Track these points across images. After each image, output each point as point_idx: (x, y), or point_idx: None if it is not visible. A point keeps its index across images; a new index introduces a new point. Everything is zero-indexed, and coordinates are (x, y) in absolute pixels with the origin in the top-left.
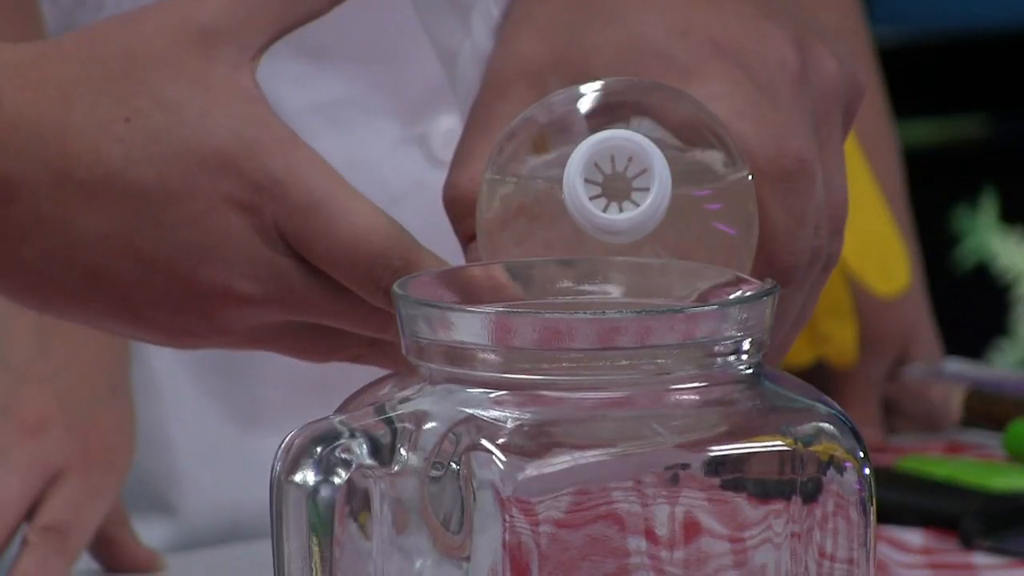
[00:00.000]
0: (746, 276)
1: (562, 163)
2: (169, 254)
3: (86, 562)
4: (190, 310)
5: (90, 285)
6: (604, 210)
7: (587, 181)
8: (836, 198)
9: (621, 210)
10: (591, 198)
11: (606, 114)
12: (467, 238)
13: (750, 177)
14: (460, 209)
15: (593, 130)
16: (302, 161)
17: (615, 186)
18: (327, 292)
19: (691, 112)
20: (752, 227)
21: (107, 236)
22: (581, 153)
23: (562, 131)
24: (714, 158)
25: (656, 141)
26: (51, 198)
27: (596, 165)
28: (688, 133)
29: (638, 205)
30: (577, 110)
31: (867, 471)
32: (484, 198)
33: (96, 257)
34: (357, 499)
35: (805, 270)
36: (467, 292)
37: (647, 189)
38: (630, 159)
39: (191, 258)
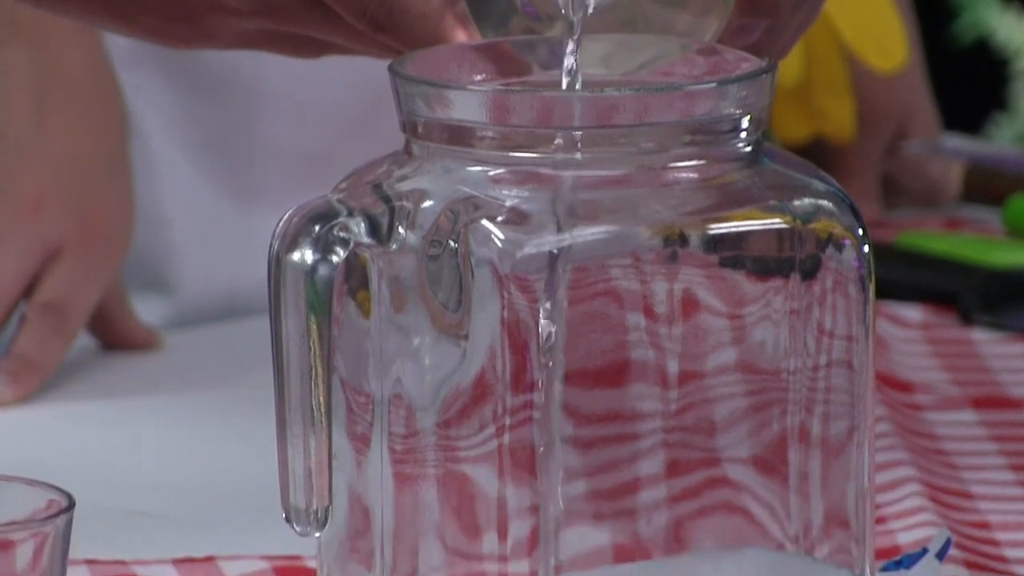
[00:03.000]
0: (721, 47)
1: None
2: None
3: (84, 340)
4: (179, 18)
5: None
6: None
7: None
8: None
9: None
10: None
11: None
12: None
13: None
14: None
15: None
16: None
17: None
18: (315, 9)
19: None
20: None
21: None
22: None
23: None
24: None
25: None
26: None
27: None
28: None
29: None
30: None
31: (866, 248)
32: None
33: None
34: (355, 278)
35: (792, 3)
36: (474, 67)
37: None
38: None
39: None
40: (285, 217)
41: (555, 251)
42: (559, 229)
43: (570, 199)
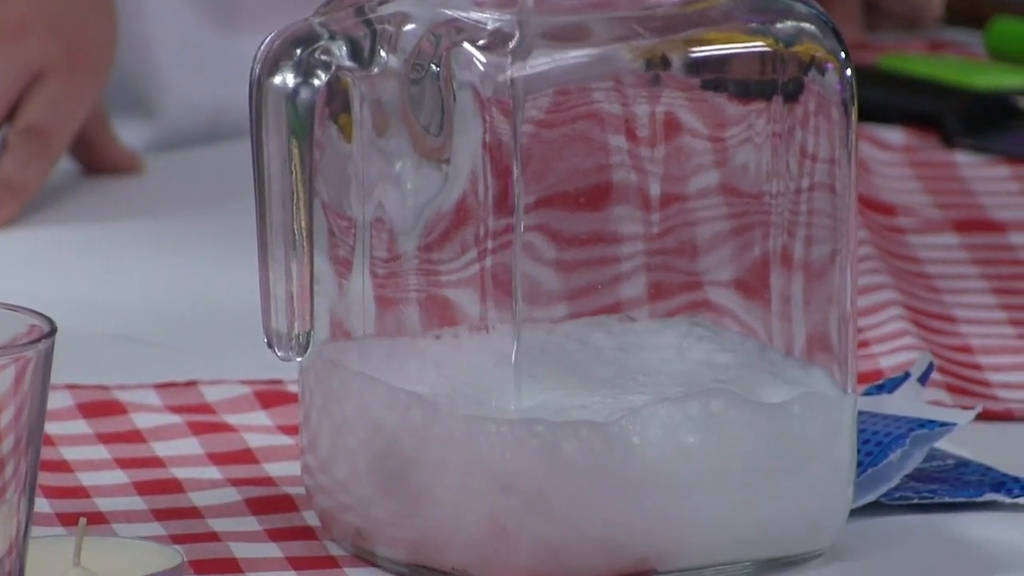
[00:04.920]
0: None
1: None
2: None
3: (66, 164)
4: None
5: None
6: None
7: None
8: None
9: None
10: None
11: None
12: None
13: None
14: None
15: None
16: None
17: None
18: None
19: None
20: None
21: None
22: None
23: None
24: None
25: None
26: None
27: None
28: None
29: None
30: None
31: (848, 72)
32: None
33: None
34: (337, 102)
35: None
36: None
37: None
38: None
39: None
40: (266, 41)
41: (537, 74)
42: (541, 52)
43: (552, 22)
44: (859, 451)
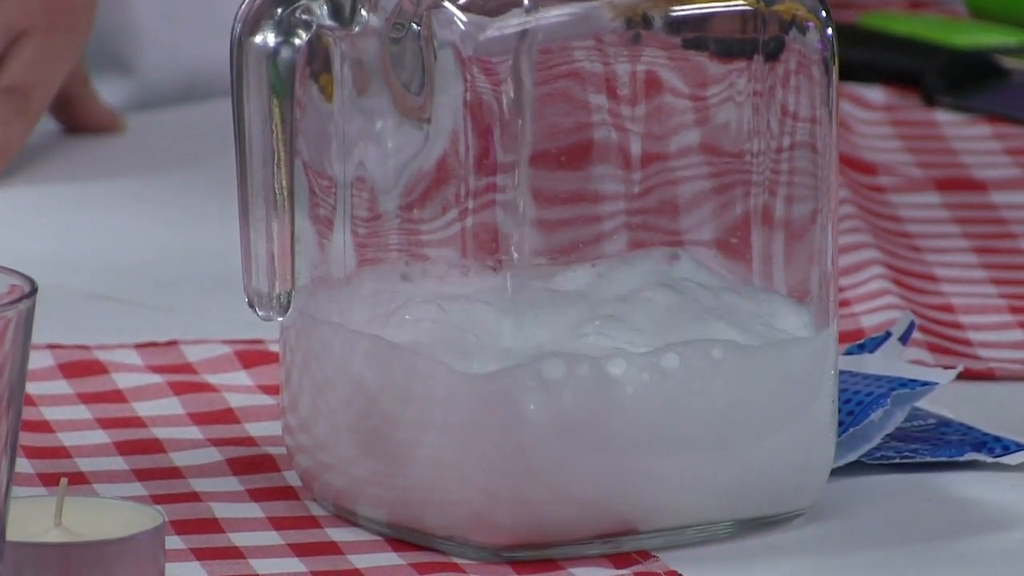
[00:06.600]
0: None
1: None
2: None
3: (48, 123)
4: None
5: None
6: None
7: None
8: None
9: None
10: None
11: None
12: None
13: None
14: None
15: None
16: None
17: None
18: None
19: None
20: None
21: None
22: None
23: None
24: None
25: None
26: None
27: None
28: None
29: None
30: None
31: (829, 30)
32: None
33: None
34: (318, 61)
35: None
36: None
37: None
38: None
39: None
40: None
41: (518, 33)
42: (522, 11)
43: None
44: (840, 410)
